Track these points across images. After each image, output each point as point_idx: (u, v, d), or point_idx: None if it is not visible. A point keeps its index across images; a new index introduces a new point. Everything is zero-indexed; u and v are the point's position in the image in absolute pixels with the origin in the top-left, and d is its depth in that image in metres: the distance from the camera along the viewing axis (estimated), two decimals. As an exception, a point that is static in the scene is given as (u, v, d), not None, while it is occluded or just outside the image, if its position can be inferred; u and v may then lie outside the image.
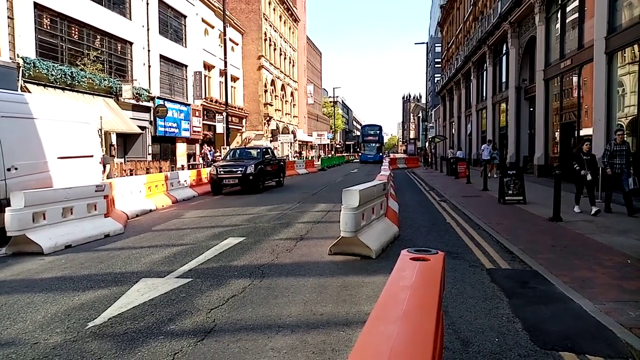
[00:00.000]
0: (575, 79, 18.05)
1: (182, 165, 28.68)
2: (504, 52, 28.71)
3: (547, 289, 5.32)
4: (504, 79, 29.00)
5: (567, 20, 18.93)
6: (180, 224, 10.45)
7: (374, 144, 53.06)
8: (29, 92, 17.11)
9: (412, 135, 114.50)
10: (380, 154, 51.14)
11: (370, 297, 5.05)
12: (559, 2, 19.53)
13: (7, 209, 7.51)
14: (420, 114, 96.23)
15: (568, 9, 18.85)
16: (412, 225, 9.82)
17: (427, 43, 61.98)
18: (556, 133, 20.29)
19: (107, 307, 4.87)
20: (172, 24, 30.37)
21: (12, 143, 8.91)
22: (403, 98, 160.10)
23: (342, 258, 6.85)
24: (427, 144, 64.50)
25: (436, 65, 76.37)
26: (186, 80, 31.92)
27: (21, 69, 17.50)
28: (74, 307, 4.92)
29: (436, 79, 72.25)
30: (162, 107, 27.18)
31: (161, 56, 28.42)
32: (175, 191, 15.23)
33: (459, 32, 46.58)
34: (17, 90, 16.28)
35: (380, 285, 5.36)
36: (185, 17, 31.81)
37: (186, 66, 31.78)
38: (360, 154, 56.57)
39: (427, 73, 60.45)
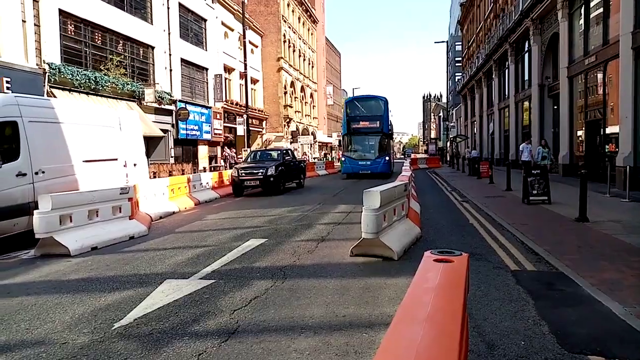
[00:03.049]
0: (600, 75, 17.66)
1: (204, 168, 28.99)
2: (526, 49, 28.25)
3: (574, 291, 5.21)
4: (526, 77, 28.54)
5: (591, 16, 18.53)
6: (203, 226, 10.56)
7: (371, 137, 26.21)
8: (55, 97, 17.50)
9: (432, 135, 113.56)
10: (386, 157, 25.82)
11: (392, 299, 5.03)
12: (583, -2, 19.15)
13: (35, 211, 7.69)
14: (441, 114, 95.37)
15: (592, 4, 18.45)
16: (434, 226, 9.73)
17: (447, 42, 61.42)
18: (581, 131, 19.88)
19: (132, 308, 4.95)
20: (192, 28, 30.72)
21: (40, 147, 9.13)
22: (423, 97, 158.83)
23: (364, 259, 6.83)
24: (448, 143, 59.07)
25: (457, 64, 75.58)
26: (207, 83, 32.25)
27: (47, 74, 17.91)
28: (101, 308, 5.01)
29: (457, 77, 71.45)
30: (184, 110, 27.52)
31: (182, 60, 28.77)
32: (197, 193, 15.40)
33: (480, 30, 46.03)
34: (43, 96, 16.68)
35: (402, 287, 5.32)
36: (205, 20, 32.14)
37: (207, 69, 32.11)
38: (341, 157, 28.98)
39: (447, 72, 59.93)
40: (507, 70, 32.77)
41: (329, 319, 4.52)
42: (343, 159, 26.88)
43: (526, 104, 28.26)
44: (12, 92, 14.24)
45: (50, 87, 18.12)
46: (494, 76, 36.88)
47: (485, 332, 4.11)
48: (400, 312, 1.95)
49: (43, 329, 4.47)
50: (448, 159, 41.33)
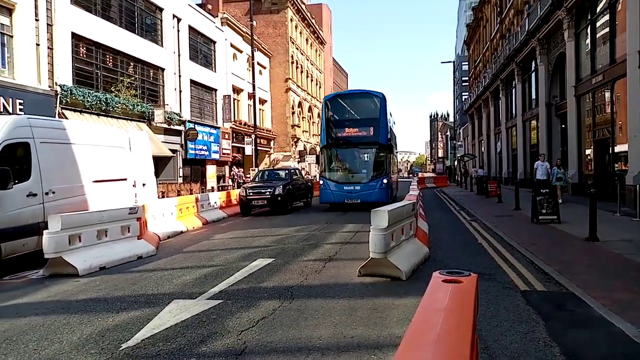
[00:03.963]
0: (607, 94, 17.65)
1: (212, 187, 29.13)
2: (532, 69, 28.36)
3: (585, 311, 5.13)
4: (533, 96, 28.59)
5: (598, 35, 18.62)
6: (211, 246, 10.56)
7: (363, 150, 18.88)
8: (66, 118, 17.77)
9: (440, 154, 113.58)
10: (384, 180, 18.21)
11: (401, 319, 4.98)
12: (589, 17, 19.26)
13: (45, 231, 7.74)
14: (448, 133, 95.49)
15: (598, 23, 18.55)
16: (443, 246, 9.67)
17: (453, 62, 61.76)
18: (589, 150, 19.79)
19: (140, 329, 4.94)
20: (202, 50, 31.23)
21: (50, 168, 9.23)
22: (430, 117, 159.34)
23: (372, 279, 6.79)
24: (456, 162, 58.57)
25: (463, 84, 75.98)
26: (216, 103, 32.62)
27: (59, 96, 18.23)
28: (108, 329, 5.00)
29: (464, 97, 71.76)
30: (193, 130, 27.80)
31: (191, 81, 29.17)
32: (205, 213, 15.44)
33: (486, 50, 46.33)
34: (55, 117, 16.96)
35: (411, 307, 5.28)
36: (214, 42, 32.68)
37: (216, 90, 32.52)
38: (319, 179, 19.84)
39: (454, 91, 60.11)
40: (514, 90, 32.86)
41: (336, 340, 4.48)
42: (322, 182, 18.60)
43: (534, 122, 28.24)
44: (25, 114, 14.51)
45: (62, 108, 18.42)
46: (501, 95, 36.99)
47: (495, 354, 4.05)
48: (409, 333, 1.94)
49: (51, 349, 4.47)
50: (457, 178, 41.07)
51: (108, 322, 5.21)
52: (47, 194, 9.05)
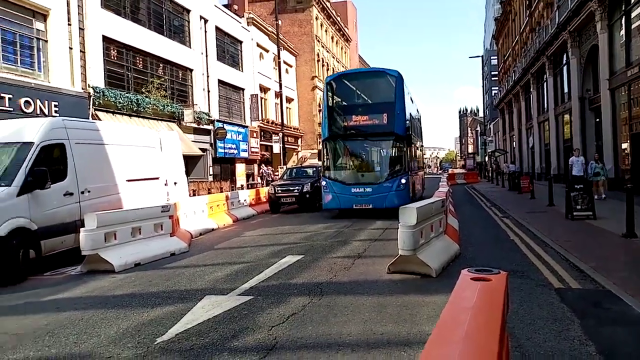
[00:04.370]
0: (645, 86, 17.05)
1: (242, 185, 29.47)
2: (564, 62, 27.59)
3: (622, 309, 5.00)
4: (565, 90, 27.83)
5: (633, 27, 17.98)
6: (241, 242, 10.72)
7: (374, 142, 15.74)
8: (99, 119, 18.26)
9: (470, 150, 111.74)
10: (402, 179, 14.66)
11: (431, 317, 4.96)
12: (623, 8, 18.62)
13: (81, 229, 8.01)
14: (478, 128, 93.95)
15: (633, 14, 17.93)
16: (474, 242, 9.55)
17: (482, 56, 60.68)
18: (625, 144, 19.17)
19: (174, 324, 5.06)
20: (229, 50, 31.58)
21: (85, 167, 9.52)
22: (459, 112, 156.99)
23: (401, 277, 6.77)
24: (486, 158, 57.41)
25: (493, 78, 74.59)
26: (243, 103, 32.95)
27: (92, 98, 18.74)
28: (144, 323, 5.15)
29: (493, 91, 70.44)
30: (222, 129, 28.20)
31: (219, 81, 29.55)
32: (235, 210, 15.65)
33: (515, 43, 45.33)
34: (88, 118, 17.46)
35: (441, 305, 5.24)
36: (241, 42, 32.99)
37: (243, 89, 32.84)
38: (321, 179, 15.67)
39: (483, 86, 59.05)
40: (545, 84, 32.07)
41: (366, 336, 4.50)
42: (324, 183, 15.21)
43: (566, 117, 27.51)
44: (60, 116, 14.99)
45: (95, 109, 18.93)
46: (532, 89, 36.16)
47: (528, 352, 4.00)
48: (436, 331, 1.94)
49: (90, 342, 4.63)
50: (488, 173, 40.30)
51: (143, 317, 5.36)
52: (82, 193, 9.33)
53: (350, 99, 16.13)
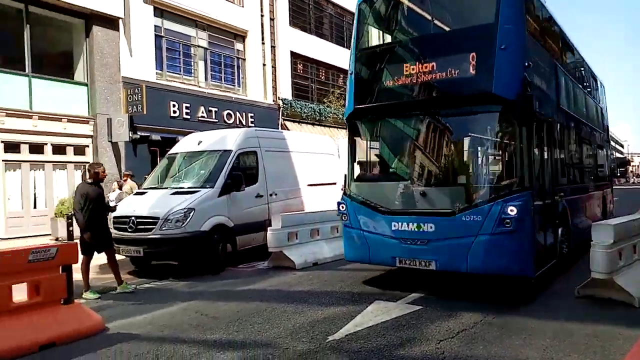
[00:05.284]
0: None
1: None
2: None
3: None
4: None
5: None
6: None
7: (448, 116, 6.62)
8: (287, 128, 20.05)
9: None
10: (512, 208, 5.68)
11: (628, 353, 4.28)
12: None
13: (268, 228, 8.96)
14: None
15: None
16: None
17: None
18: None
19: (345, 324, 5.29)
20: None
21: (273, 173, 10.56)
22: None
23: (593, 302, 5.99)
24: None
25: None
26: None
27: (281, 109, 20.70)
28: (318, 320, 5.50)
29: None
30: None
31: (396, 87, 29.89)
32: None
33: None
34: (278, 127, 19.35)
35: (642, 339, 4.50)
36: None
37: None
38: (341, 200, 7.30)
39: None
40: None
41: (546, 364, 4.10)
42: (342, 207, 7.29)
43: None
44: (255, 125, 16.90)
45: (284, 119, 20.84)
46: None
47: None
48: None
49: (271, 332, 5.12)
50: None
51: (318, 314, 5.73)
52: (270, 195, 10.37)
53: (404, 31, 7.78)
